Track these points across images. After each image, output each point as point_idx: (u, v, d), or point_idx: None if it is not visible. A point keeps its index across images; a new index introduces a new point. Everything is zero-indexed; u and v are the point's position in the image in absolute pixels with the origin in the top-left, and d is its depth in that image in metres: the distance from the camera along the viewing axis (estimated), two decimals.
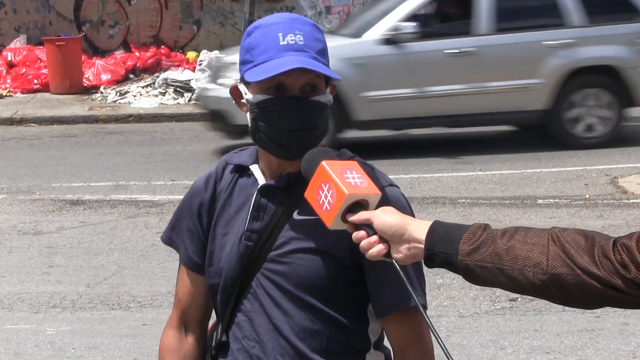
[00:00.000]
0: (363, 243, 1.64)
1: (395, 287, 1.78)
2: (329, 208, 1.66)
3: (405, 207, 1.83)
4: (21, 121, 12.20)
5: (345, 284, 1.84)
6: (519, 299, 5.28)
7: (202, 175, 1.98)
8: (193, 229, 1.95)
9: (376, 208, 1.68)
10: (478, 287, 5.43)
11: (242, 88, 1.85)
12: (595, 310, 5.04)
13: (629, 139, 9.63)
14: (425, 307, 1.79)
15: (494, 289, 5.39)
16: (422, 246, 1.60)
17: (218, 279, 1.91)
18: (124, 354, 4.67)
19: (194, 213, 1.95)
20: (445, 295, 5.35)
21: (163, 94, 13.45)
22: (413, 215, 1.80)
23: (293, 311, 1.84)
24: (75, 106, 12.95)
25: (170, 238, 2.01)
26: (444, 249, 1.58)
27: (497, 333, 4.83)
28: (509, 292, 5.21)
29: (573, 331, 4.84)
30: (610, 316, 5.01)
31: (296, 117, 1.78)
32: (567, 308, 5.07)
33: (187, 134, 11.28)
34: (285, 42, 1.77)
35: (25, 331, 5.00)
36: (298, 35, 1.78)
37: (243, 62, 1.83)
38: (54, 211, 7.47)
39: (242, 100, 1.85)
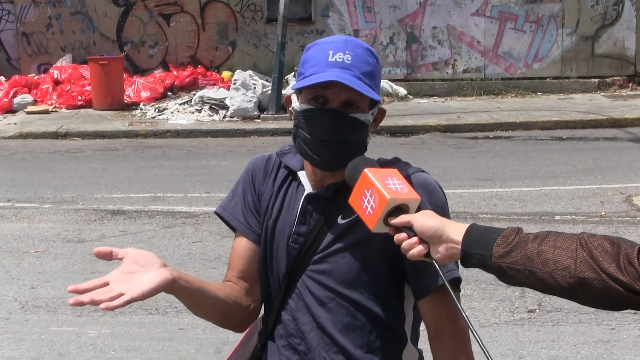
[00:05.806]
0: (404, 244, 1.70)
1: (432, 268, 1.88)
2: (371, 212, 1.72)
3: (437, 190, 1.89)
4: (66, 135, 12.49)
5: (386, 269, 1.89)
6: (537, 310, 5.41)
7: (261, 154, 2.05)
8: (250, 199, 2.01)
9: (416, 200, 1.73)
10: (497, 298, 5.60)
11: (293, 97, 1.93)
12: (610, 322, 5.18)
13: None
14: (459, 279, 1.86)
15: (513, 300, 5.58)
16: (459, 247, 1.66)
17: (271, 272, 1.98)
18: (161, 357, 4.82)
19: (250, 182, 2.02)
20: (466, 306, 5.45)
21: (199, 111, 13.70)
22: (445, 196, 1.93)
23: (336, 309, 1.90)
24: (116, 122, 13.21)
25: (225, 209, 2.03)
26: (479, 250, 1.64)
27: (516, 343, 4.93)
28: (527, 304, 5.46)
29: (589, 342, 4.93)
30: (625, 328, 5.11)
31: (329, 129, 1.83)
32: (583, 320, 5.22)
33: (221, 149, 11.50)
34: (333, 59, 1.84)
35: (69, 333, 5.17)
36: (347, 55, 1.84)
37: (298, 75, 1.91)
38: (95, 220, 7.68)
39: (290, 109, 1.94)
